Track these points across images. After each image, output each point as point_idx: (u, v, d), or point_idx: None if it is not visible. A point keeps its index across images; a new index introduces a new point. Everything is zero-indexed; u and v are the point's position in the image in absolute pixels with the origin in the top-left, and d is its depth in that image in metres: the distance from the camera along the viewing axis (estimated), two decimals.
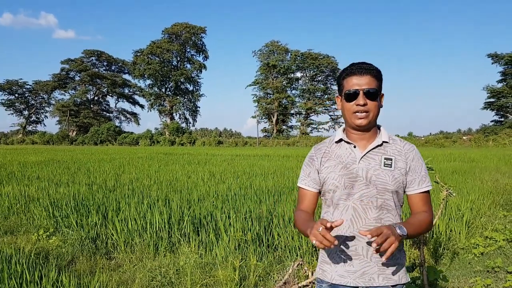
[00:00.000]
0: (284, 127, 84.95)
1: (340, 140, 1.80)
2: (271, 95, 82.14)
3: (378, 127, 1.82)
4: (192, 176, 11.64)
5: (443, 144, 61.14)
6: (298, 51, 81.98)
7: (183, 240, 5.01)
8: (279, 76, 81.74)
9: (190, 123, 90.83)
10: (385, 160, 1.72)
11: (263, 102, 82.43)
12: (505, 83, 71.09)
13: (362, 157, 1.73)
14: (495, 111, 73.97)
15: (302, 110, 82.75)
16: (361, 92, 1.69)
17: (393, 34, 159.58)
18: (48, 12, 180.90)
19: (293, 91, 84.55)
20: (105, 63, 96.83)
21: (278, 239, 4.97)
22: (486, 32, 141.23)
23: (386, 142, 1.76)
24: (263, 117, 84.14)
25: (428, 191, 1.77)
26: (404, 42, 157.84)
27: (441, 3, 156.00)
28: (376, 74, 1.73)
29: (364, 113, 1.70)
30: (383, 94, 1.79)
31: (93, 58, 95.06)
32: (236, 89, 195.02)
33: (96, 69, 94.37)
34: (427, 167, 3.69)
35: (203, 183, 9.75)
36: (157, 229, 5.25)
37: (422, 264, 3.52)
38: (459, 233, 5.65)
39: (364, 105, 1.69)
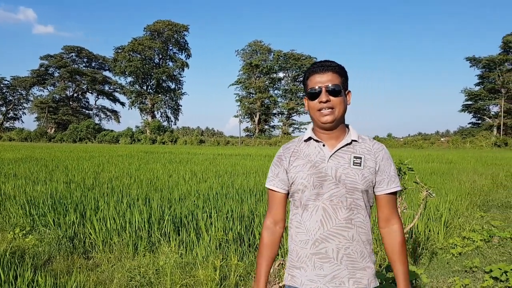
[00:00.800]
0: (266, 126, 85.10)
1: (309, 138, 1.77)
2: (253, 95, 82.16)
3: (347, 126, 1.79)
4: (173, 175, 11.54)
5: (421, 145, 62.19)
6: (281, 51, 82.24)
7: (163, 240, 4.96)
8: (261, 75, 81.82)
9: (171, 121, 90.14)
10: (355, 159, 1.69)
11: (245, 101, 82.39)
12: (482, 86, 72.81)
13: (331, 155, 1.69)
14: (473, 114, 75.70)
15: (284, 110, 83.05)
16: (323, 89, 1.67)
17: (374, 36, 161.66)
18: (27, 7, 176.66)
19: (276, 91, 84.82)
20: (85, 60, 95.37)
21: (259, 239, 4.95)
22: (464, 35, 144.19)
23: (355, 140, 1.73)
24: (246, 117, 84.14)
25: (396, 193, 1.75)
26: (385, 44, 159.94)
27: (422, 6, 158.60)
28: (339, 71, 1.71)
29: (329, 110, 1.67)
30: (349, 91, 1.77)
31: (73, 54, 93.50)
32: (218, 88, 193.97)
33: (76, 66, 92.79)
34: (407, 167, 3.74)
35: (184, 182, 9.67)
36: (136, 228, 5.18)
37: None
38: (438, 233, 5.74)
39: (327, 101, 1.66)
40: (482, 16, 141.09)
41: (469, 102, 74.30)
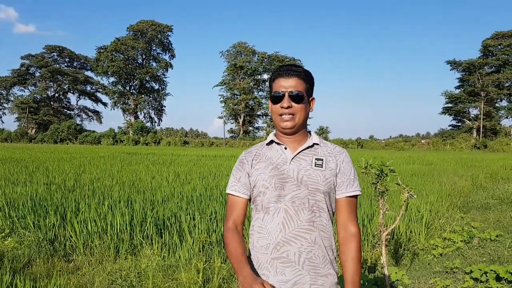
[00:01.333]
0: (250, 128, 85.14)
1: (271, 142, 1.77)
2: (238, 96, 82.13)
3: (309, 132, 1.80)
4: (156, 177, 11.44)
5: (402, 147, 63.03)
6: (265, 53, 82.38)
7: (146, 242, 4.91)
8: (246, 77, 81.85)
9: (155, 122, 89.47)
10: (316, 161, 1.69)
11: (230, 102, 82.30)
12: (462, 89, 74.21)
13: (293, 158, 1.69)
14: (453, 116, 77.08)
15: (268, 112, 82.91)
16: (286, 94, 1.66)
17: (356, 38, 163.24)
18: (7, 5, 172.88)
19: (260, 93, 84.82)
20: (67, 59, 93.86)
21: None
22: (445, 39, 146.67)
23: (317, 144, 1.74)
24: (230, 118, 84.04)
25: (355, 197, 1.74)
26: (367, 46, 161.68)
27: (404, 10, 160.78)
28: (304, 77, 1.70)
29: (289, 116, 1.67)
30: (313, 98, 1.77)
31: (55, 54, 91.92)
32: (203, 89, 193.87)
33: (57, 65, 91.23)
34: (389, 169, 3.77)
35: (167, 184, 9.60)
36: (118, 231, 5.12)
37: (383, 265, 3.59)
38: (419, 234, 5.81)
39: (289, 107, 1.66)
40: (463, 20, 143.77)
41: (450, 105, 75.63)
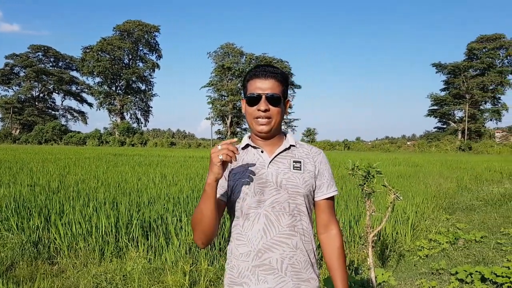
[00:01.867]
0: (238, 129, 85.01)
1: (247, 145, 1.71)
2: (225, 97, 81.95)
3: (285, 134, 1.76)
4: (142, 178, 11.34)
5: (388, 149, 63.61)
6: (253, 55, 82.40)
7: (131, 245, 4.85)
8: (233, 78, 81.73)
9: (141, 123, 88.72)
10: (294, 163, 1.66)
11: (217, 104, 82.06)
12: (448, 92, 75.15)
13: (271, 161, 1.65)
14: (438, 118, 78.00)
15: None
16: (263, 97, 1.61)
17: (342, 41, 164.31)
18: None
19: None
20: (52, 59, 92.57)
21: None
22: (431, 42, 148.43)
23: (294, 146, 1.71)
24: (217, 119, 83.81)
25: (333, 197, 1.74)
26: (353, 49, 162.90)
27: (391, 11, 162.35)
28: (281, 79, 1.65)
29: (266, 119, 1.62)
30: (288, 100, 1.73)
31: (40, 53, 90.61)
32: (190, 90, 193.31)
33: (42, 65, 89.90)
34: (376, 171, 3.79)
35: (154, 185, 9.52)
36: (103, 233, 5.06)
37: (370, 267, 3.60)
38: (405, 236, 5.86)
39: (266, 110, 1.61)
40: (448, 23, 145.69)
41: (435, 107, 76.57)
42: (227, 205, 1.70)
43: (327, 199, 1.71)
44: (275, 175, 1.63)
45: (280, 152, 1.67)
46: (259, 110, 1.61)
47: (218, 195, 1.62)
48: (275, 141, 1.70)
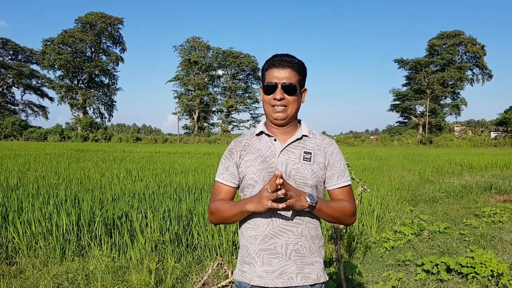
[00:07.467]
0: (205, 124, 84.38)
1: (261, 132, 1.76)
2: (192, 92, 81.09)
3: (299, 121, 1.80)
4: (106, 174, 11.03)
5: (352, 143, 64.79)
6: (220, 49, 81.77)
7: (94, 243, 4.67)
8: (200, 72, 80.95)
9: (105, 118, 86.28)
10: (305, 154, 1.70)
11: (184, 98, 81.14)
12: (409, 87, 77.20)
13: (282, 150, 1.69)
14: (400, 113, 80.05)
15: (223, 108, 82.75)
16: (279, 86, 1.65)
17: (307, 35, 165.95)
18: None
19: (215, 89, 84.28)
20: (11, 52, 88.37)
21: (198, 239, 4.84)
22: (393, 38, 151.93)
23: (306, 136, 1.75)
24: (184, 114, 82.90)
25: (348, 186, 1.76)
26: (318, 44, 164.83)
27: (356, 8, 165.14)
28: (298, 68, 1.68)
29: (282, 107, 1.67)
30: (305, 89, 1.76)
31: None
32: (156, 84, 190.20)
33: (0, 58, 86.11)
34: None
35: (118, 182, 9.26)
36: (64, 231, 4.85)
37: (339, 259, 3.60)
38: (371, 228, 5.93)
39: (281, 99, 1.66)
40: (410, 19, 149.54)
41: (397, 102, 78.48)
42: (238, 189, 1.78)
43: (339, 188, 1.74)
44: (284, 165, 1.67)
45: (292, 142, 1.71)
46: (274, 99, 1.66)
47: (228, 182, 1.74)
48: (289, 129, 1.74)
